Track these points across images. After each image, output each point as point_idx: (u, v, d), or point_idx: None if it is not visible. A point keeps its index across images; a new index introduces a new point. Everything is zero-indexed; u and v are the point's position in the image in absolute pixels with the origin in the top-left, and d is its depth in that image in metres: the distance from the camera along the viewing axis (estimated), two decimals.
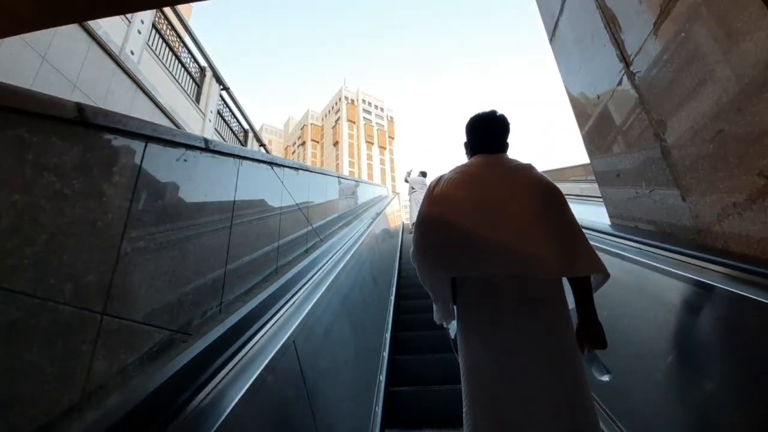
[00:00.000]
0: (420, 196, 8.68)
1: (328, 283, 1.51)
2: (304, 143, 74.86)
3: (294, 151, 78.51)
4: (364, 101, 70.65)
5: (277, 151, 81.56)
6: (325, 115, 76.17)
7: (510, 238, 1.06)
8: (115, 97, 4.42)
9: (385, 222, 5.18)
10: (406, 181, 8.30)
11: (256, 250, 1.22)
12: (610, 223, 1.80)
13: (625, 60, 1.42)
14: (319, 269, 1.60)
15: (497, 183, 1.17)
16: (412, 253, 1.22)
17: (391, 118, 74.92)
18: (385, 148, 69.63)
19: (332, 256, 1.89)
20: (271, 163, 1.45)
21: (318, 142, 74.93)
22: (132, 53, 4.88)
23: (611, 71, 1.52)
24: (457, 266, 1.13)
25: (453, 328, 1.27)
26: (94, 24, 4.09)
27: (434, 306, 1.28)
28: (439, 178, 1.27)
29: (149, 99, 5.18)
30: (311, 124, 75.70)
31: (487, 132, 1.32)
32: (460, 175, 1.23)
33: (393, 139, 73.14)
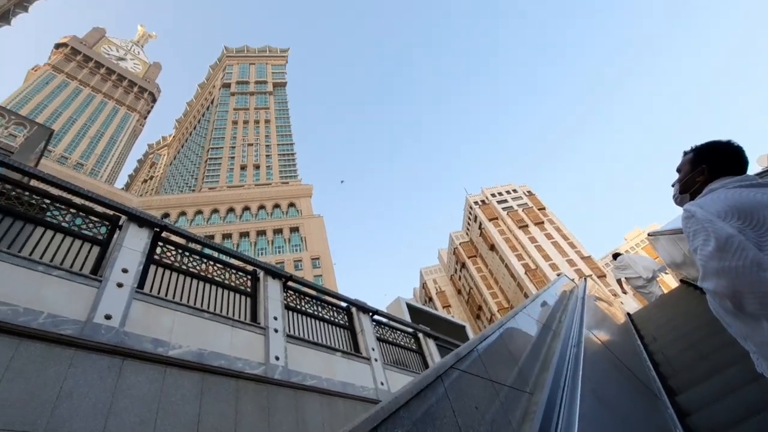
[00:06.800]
0: (635, 282, 7.57)
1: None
2: (464, 264, 73.33)
3: (460, 278, 76.91)
4: (492, 195, 68.78)
5: (444, 286, 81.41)
6: (467, 230, 75.82)
7: None
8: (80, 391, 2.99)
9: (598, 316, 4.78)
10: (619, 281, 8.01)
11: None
12: None
13: None
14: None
15: None
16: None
17: (529, 192, 69.28)
18: (542, 222, 61.87)
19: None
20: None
21: (476, 256, 72.50)
22: (108, 318, 3.57)
23: None
24: None
25: None
26: None
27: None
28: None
29: (153, 364, 3.60)
30: (460, 244, 75.57)
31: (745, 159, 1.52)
32: None
33: (543, 209, 65.40)
